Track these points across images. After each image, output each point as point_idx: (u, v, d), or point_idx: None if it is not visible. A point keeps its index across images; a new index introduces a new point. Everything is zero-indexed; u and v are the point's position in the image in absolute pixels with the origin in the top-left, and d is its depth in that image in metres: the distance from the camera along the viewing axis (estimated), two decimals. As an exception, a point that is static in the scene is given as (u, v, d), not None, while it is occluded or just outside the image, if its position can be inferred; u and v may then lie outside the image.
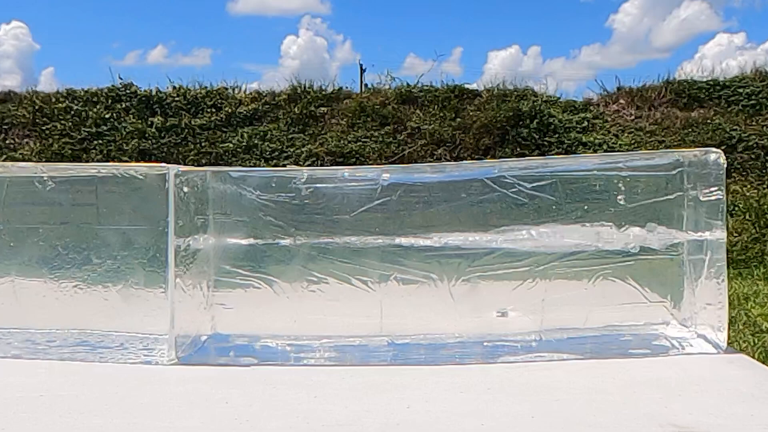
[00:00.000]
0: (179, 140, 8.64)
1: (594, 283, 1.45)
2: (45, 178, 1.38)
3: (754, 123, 8.16)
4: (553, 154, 7.34)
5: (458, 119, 8.53)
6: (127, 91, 9.01)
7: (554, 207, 1.42)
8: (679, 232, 1.44)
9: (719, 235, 1.43)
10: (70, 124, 8.63)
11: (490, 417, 1.13)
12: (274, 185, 1.38)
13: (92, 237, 1.45)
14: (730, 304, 4.63)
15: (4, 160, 7.21)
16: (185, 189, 1.34)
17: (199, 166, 6.76)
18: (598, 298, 1.46)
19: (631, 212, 1.43)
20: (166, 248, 1.36)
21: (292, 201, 1.38)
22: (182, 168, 1.36)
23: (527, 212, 1.42)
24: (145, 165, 1.37)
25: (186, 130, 8.69)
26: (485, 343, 1.43)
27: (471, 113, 8.63)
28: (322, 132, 8.72)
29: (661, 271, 1.46)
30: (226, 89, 9.18)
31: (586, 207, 1.43)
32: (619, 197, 1.42)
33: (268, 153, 8.38)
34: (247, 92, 9.24)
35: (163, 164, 1.37)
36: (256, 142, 8.56)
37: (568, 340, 1.45)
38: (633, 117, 8.55)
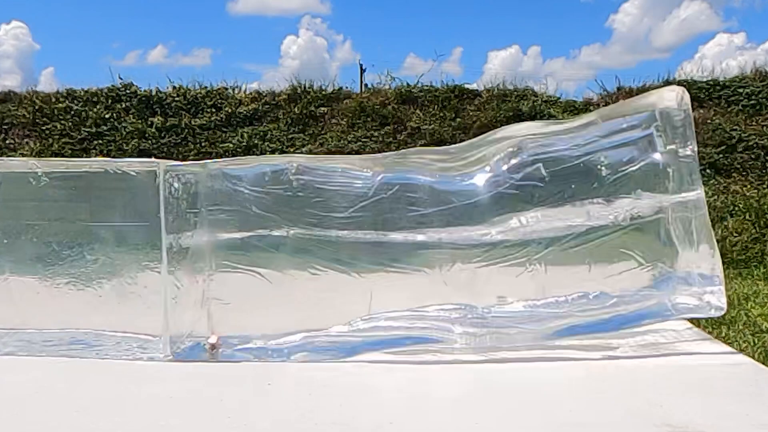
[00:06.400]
0: (179, 140, 8.64)
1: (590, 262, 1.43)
2: (39, 174, 1.38)
3: (754, 123, 8.15)
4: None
5: (458, 119, 8.52)
6: (127, 91, 9.01)
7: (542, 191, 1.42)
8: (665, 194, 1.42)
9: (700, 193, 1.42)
10: (70, 124, 8.63)
11: (484, 416, 1.12)
12: (267, 179, 1.37)
13: (85, 234, 1.44)
14: (730, 304, 4.63)
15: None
16: (176, 184, 1.34)
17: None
18: (596, 275, 1.44)
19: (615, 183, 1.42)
20: (160, 244, 1.36)
21: (285, 192, 1.38)
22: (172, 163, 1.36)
23: (516, 200, 1.41)
24: (135, 161, 1.37)
25: (186, 130, 8.69)
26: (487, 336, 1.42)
27: (471, 113, 8.63)
28: (322, 132, 8.71)
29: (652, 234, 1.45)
30: (226, 89, 9.18)
31: (573, 185, 1.43)
32: (600, 168, 1.42)
33: (268, 153, 8.37)
34: (247, 92, 9.23)
35: (154, 160, 1.37)
36: (256, 142, 8.56)
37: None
38: (633, 117, 8.54)
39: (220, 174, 1.37)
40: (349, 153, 8.13)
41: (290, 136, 8.66)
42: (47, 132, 8.62)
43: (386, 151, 8.02)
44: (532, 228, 1.42)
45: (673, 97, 1.43)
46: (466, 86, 9.05)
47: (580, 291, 1.43)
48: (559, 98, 8.93)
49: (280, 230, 1.39)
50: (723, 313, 1.42)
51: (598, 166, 1.43)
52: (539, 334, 1.41)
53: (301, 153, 8.27)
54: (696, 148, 1.44)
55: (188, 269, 1.40)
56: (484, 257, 1.42)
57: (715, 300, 1.41)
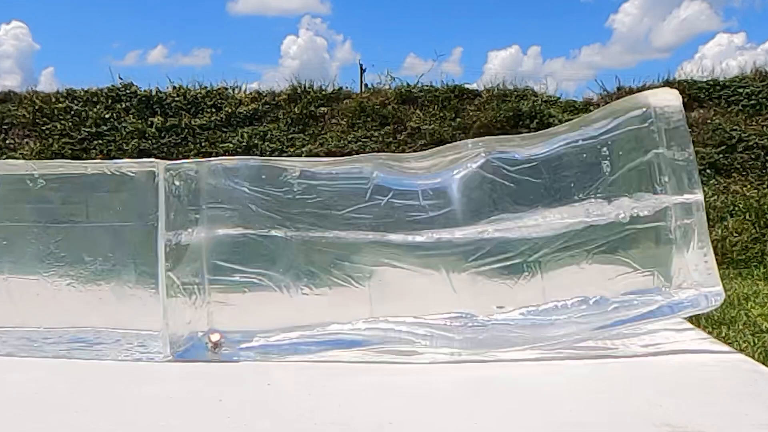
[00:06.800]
0: (179, 140, 8.66)
1: (589, 262, 1.42)
2: (36, 176, 1.38)
3: (754, 123, 8.16)
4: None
5: (458, 119, 8.54)
6: (127, 91, 9.03)
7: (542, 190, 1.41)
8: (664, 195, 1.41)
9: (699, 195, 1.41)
10: (70, 124, 8.65)
11: (483, 416, 1.12)
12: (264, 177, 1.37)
13: (83, 235, 1.44)
14: (730, 304, 4.64)
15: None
16: (176, 182, 1.34)
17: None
18: (596, 275, 1.44)
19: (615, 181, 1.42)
20: (156, 243, 1.35)
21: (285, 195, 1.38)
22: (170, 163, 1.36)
23: (515, 198, 1.41)
24: (134, 161, 1.37)
25: (186, 130, 8.71)
26: (482, 337, 1.42)
27: (471, 113, 8.64)
28: (322, 132, 8.73)
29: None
30: (226, 89, 9.20)
31: (572, 184, 1.42)
32: (604, 164, 1.41)
33: (268, 153, 8.39)
34: (247, 92, 9.25)
35: (152, 159, 1.37)
36: (256, 142, 8.58)
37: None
38: (633, 117, 8.53)
39: (220, 170, 1.37)
40: (349, 153, 8.15)
41: (290, 136, 8.67)
42: (47, 132, 8.64)
43: (386, 152, 8.05)
44: (530, 227, 1.41)
45: (669, 98, 1.42)
46: (466, 86, 9.07)
47: (580, 296, 1.42)
48: (559, 98, 8.95)
49: (280, 230, 1.39)
50: (720, 301, 1.42)
51: (599, 163, 1.42)
52: (538, 342, 1.41)
53: (301, 153, 8.29)
54: (692, 151, 1.43)
55: (187, 268, 1.39)
56: (482, 258, 1.42)
57: (713, 295, 1.41)
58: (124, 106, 8.89)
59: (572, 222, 1.42)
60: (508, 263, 1.41)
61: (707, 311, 1.46)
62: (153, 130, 8.68)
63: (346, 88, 9.38)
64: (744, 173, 7.82)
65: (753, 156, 7.91)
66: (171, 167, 1.37)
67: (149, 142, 8.58)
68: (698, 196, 1.40)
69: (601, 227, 1.42)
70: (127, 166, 1.39)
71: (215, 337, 1.42)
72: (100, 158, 8.05)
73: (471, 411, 1.13)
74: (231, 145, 8.49)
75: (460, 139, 8.28)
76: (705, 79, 8.69)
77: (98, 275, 1.44)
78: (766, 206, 6.98)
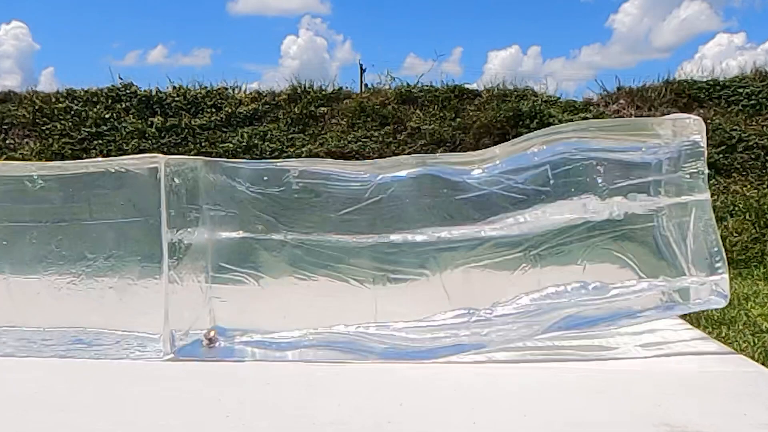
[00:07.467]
0: (179, 140, 8.65)
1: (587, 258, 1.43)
2: (35, 177, 1.38)
3: (754, 123, 8.15)
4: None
5: (458, 119, 8.52)
6: (127, 91, 9.02)
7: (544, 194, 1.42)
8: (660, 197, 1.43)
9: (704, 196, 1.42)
10: (70, 124, 8.64)
11: (482, 415, 1.12)
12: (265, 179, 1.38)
13: (85, 233, 1.44)
14: (730, 304, 4.63)
15: (4, 161, 7.22)
16: (176, 180, 1.34)
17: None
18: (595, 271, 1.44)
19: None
20: (159, 241, 1.35)
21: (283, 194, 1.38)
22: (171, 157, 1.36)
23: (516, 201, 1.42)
24: (135, 157, 1.37)
25: (186, 130, 8.70)
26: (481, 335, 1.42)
27: (471, 113, 8.63)
28: (322, 132, 8.72)
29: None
30: (226, 89, 9.18)
31: (573, 189, 1.43)
32: (597, 178, 1.42)
33: (268, 153, 8.38)
34: (247, 92, 9.24)
35: (154, 155, 1.37)
36: (256, 142, 8.57)
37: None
38: (633, 117, 8.54)
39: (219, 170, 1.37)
40: (348, 153, 8.14)
41: (290, 136, 8.66)
42: (47, 132, 8.63)
43: (386, 152, 8.02)
44: (528, 224, 1.42)
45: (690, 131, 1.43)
46: (466, 86, 9.05)
47: (579, 281, 1.43)
48: (559, 98, 8.93)
49: (279, 233, 1.39)
50: (726, 303, 1.42)
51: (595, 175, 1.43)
52: (539, 326, 1.41)
53: (301, 153, 8.28)
54: (703, 164, 1.44)
55: (189, 266, 1.40)
56: (481, 256, 1.42)
57: (719, 290, 1.41)
58: (124, 106, 8.88)
59: (571, 218, 1.42)
60: (509, 257, 1.42)
61: (709, 308, 1.46)
62: (153, 130, 8.67)
63: (346, 88, 9.37)
64: (744, 173, 7.81)
65: (753, 156, 7.90)
66: (173, 164, 1.37)
67: (149, 142, 8.57)
68: (701, 195, 1.41)
69: (599, 226, 1.43)
70: (131, 163, 1.38)
71: (210, 334, 1.42)
72: (100, 158, 8.04)
73: (471, 411, 1.13)
74: (231, 145, 8.48)
75: (460, 140, 8.27)
76: (705, 79, 8.68)
77: (100, 273, 1.44)
78: (766, 206, 6.97)
